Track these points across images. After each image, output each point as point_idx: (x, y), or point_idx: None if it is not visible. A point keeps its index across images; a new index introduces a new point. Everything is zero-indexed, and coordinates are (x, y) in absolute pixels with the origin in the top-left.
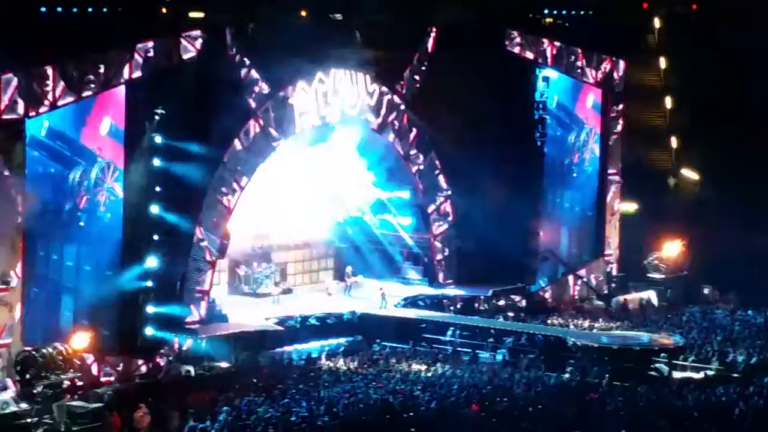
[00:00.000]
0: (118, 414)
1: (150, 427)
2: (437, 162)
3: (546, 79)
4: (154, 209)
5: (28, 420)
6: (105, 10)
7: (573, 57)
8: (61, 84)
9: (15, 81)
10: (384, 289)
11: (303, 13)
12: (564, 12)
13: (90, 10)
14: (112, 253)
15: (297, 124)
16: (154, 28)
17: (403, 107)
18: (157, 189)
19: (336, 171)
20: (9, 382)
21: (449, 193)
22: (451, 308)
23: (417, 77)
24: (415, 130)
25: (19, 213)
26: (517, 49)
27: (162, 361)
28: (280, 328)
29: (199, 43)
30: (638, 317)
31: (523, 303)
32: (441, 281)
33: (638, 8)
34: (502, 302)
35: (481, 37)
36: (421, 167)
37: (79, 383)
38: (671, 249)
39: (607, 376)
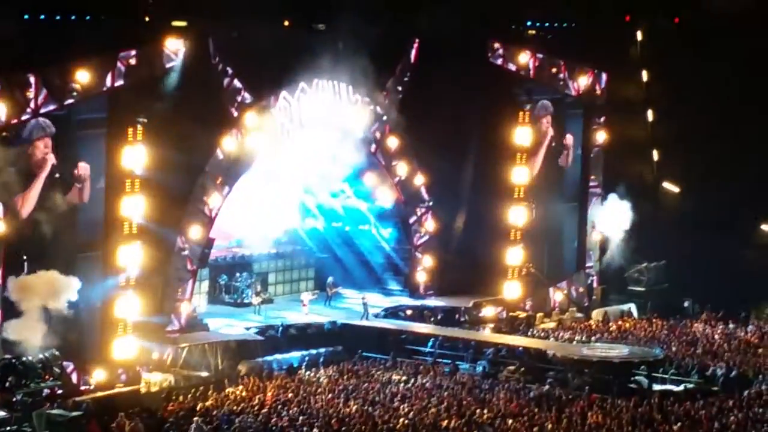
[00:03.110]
0: (97, 423)
1: None
2: (419, 173)
3: (528, 90)
4: (136, 218)
5: (8, 428)
6: (88, 18)
7: (555, 69)
8: (44, 91)
9: None
10: (366, 298)
11: (286, 23)
12: (547, 24)
13: (73, 18)
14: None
15: (279, 134)
16: (137, 37)
17: (385, 118)
18: (139, 198)
19: (317, 181)
20: None
21: (430, 203)
22: (432, 319)
23: (400, 88)
24: (397, 141)
25: (1, 221)
26: (499, 61)
27: (142, 370)
28: (260, 337)
29: (182, 51)
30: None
31: (504, 315)
32: (422, 292)
33: (621, 21)
34: (482, 313)
35: (464, 48)
36: (403, 178)
37: (59, 392)
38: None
39: (587, 388)
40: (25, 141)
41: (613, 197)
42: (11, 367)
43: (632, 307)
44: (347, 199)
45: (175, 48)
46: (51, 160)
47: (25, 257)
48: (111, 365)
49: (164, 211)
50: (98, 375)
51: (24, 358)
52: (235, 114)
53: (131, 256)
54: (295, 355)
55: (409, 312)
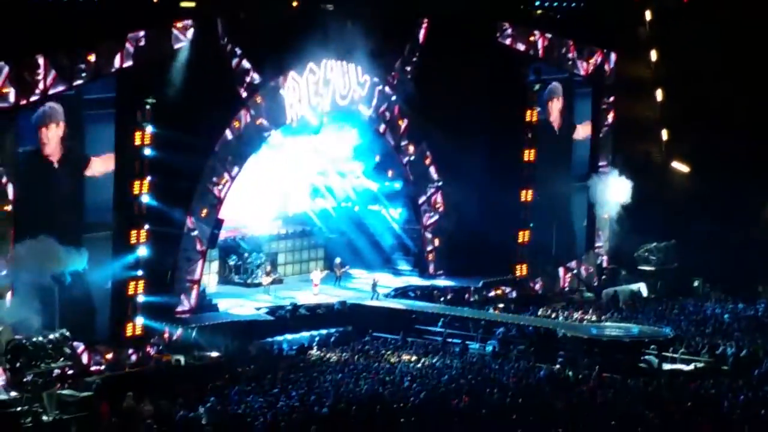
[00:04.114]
0: (108, 403)
1: (149, 417)
2: (428, 153)
3: (537, 70)
4: (145, 199)
5: (18, 408)
6: None
7: (564, 49)
8: (52, 73)
9: (6, 69)
10: (377, 279)
11: (294, 3)
12: (555, 4)
13: None
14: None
15: (288, 114)
16: (146, 18)
17: (394, 98)
18: (148, 179)
19: (326, 161)
20: None
21: (440, 184)
22: (442, 299)
23: (408, 68)
24: (406, 121)
25: (10, 202)
26: (508, 41)
27: (152, 351)
28: (270, 317)
29: (190, 32)
30: (628, 309)
31: (514, 294)
32: (431, 272)
33: (629, 1)
34: (492, 293)
35: (473, 28)
36: (412, 158)
37: (69, 372)
38: None
39: (597, 367)
40: (34, 126)
41: (612, 173)
42: (22, 348)
43: (642, 287)
44: (357, 179)
45: (183, 29)
46: (60, 143)
47: None
48: (121, 346)
49: (173, 191)
50: (108, 355)
51: (34, 339)
52: (244, 94)
53: (141, 237)
54: (305, 335)
55: (418, 292)
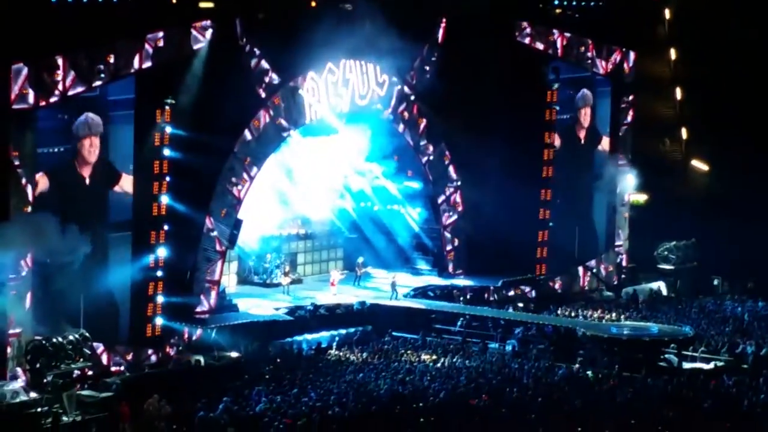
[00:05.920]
0: (128, 403)
1: (168, 417)
2: (447, 152)
3: (556, 69)
4: (165, 199)
5: (38, 409)
6: (115, 0)
7: (583, 48)
8: (72, 74)
9: (25, 71)
10: (396, 279)
11: (313, 3)
12: (574, 3)
13: (100, 0)
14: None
15: (307, 115)
16: (165, 18)
17: (413, 98)
18: (168, 179)
19: (346, 161)
20: (19, 371)
21: (459, 183)
22: (461, 299)
23: (427, 68)
24: (425, 121)
25: (30, 203)
26: (527, 40)
27: (172, 351)
28: (289, 317)
29: (209, 33)
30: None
31: (533, 294)
32: (451, 272)
33: None
34: (511, 293)
35: (492, 27)
36: (431, 158)
37: (89, 372)
38: None
39: (616, 366)
40: (73, 138)
41: (628, 169)
42: (41, 349)
43: (661, 286)
44: (376, 179)
45: (202, 29)
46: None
47: None
48: (141, 346)
49: (193, 192)
50: (128, 356)
51: (54, 339)
52: (263, 95)
53: (160, 237)
54: (324, 335)
55: (438, 291)
